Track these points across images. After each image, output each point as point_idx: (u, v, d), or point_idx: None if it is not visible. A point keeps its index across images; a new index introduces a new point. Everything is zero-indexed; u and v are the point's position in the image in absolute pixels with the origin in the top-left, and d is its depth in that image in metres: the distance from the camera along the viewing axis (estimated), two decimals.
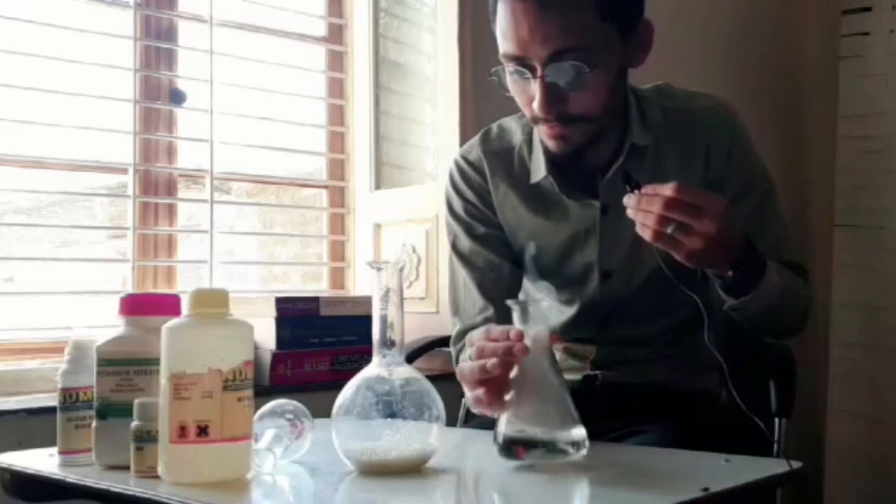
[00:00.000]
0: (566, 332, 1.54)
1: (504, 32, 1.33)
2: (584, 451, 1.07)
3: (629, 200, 1.20)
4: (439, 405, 1.05)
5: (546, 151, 1.44)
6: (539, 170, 1.46)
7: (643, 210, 1.18)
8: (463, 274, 1.54)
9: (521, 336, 1.08)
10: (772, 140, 2.91)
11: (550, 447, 1.06)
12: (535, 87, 1.32)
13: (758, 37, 3.00)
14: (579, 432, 1.08)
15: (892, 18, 2.77)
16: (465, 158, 1.55)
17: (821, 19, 3.01)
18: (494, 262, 1.52)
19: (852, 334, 2.82)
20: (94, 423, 1.09)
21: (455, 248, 1.56)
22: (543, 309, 1.14)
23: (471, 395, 1.14)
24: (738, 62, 2.92)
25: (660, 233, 1.18)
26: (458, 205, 1.55)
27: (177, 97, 2.12)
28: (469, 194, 1.54)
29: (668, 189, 1.17)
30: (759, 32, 3.01)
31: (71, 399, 1.13)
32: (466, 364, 1.13)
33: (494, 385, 1.10)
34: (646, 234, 1.19)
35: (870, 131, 2.81)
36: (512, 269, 1.52)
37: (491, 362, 1.09)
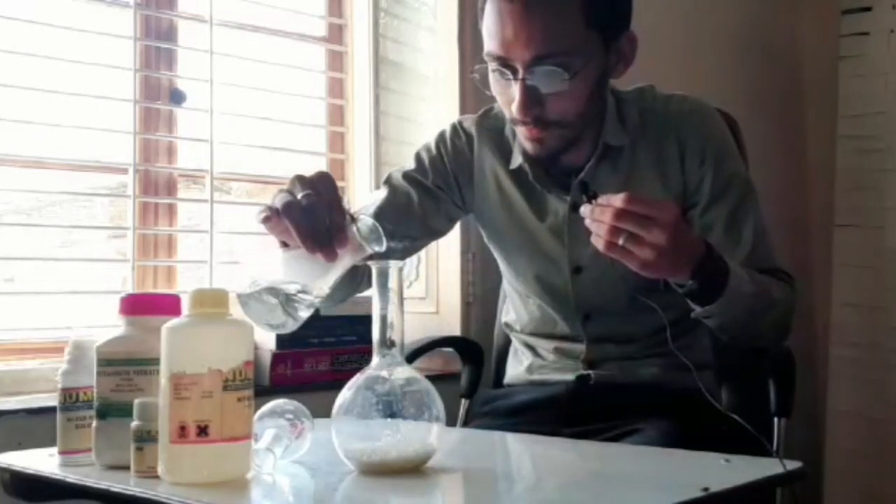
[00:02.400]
0: (552, 330, 1.55)
1: (489, 31, 1.35)
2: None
3: (585, 210, 1.22)
4: (439, 405, 1.04)
5: (523, 152, 1.46)
6: (517, 157, 1.50)
7: (596, 220, 1.20)
8: (381, 194, 1.54)
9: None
10: (772, 140, 2.92)
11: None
12: (515, 89, 1.33)
13: (758, 37, 3.00)
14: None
15: (892, 18, 2.77)
16: (460, 124, 1.61)
17: (821, 19, 3.01)
18: (413, 207, 1.54)
19: (852, 334, 2.82)
20: (94, 423, 1.08)
21: (395, 172, 1.59)
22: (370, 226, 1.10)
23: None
24: (739, 62, 2.92)
25: (611, 243, 1.19)
26: (427, 153, 1.59)
27: (177, 97, 2.12)
28: (446, 152, 1.58)
29: (618, 199, 1.18)
30: (760, 32, 3.02)
31: (71, 399, 1.13)
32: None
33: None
34: (599, 244, 1.21)
35: (870, 131, 2.81)
36: (420, 225, 1.55)
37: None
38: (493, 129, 1.56)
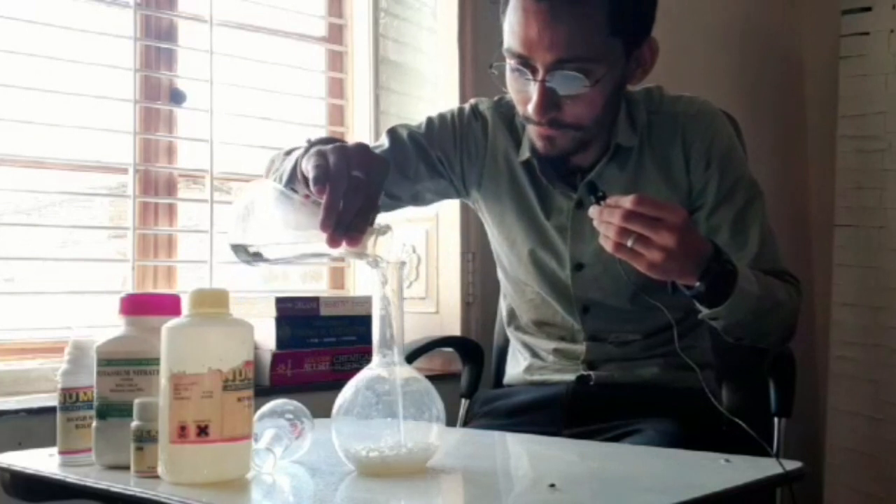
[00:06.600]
0: (551, 320, 1.55)
1: (512, 28, 1.34)
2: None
3: (593, 212, 1.21)
4: (439, 405, 1.05)
5: (532, 147, 1.45)
6: (525, 150, 1.50)
7: (605, 222, 1.19)
8: (382, 142, 1.54)
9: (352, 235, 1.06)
10: (772, 140, 2.92)
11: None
12: (534, 89, 1.33)
13: (758, 37, 3.01)
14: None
15: (892, 18, 2.77)
16: (476, 106, 1.59)
17: (821, 19, 3.01)
18: (408, 168, 1.52)
19: (852, 334, 2.82)
20: (94, 423, 1.09)
21: (400, 127, 1.56)
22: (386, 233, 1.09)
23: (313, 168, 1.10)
24: (739, 62, 2.92)
25: (619, 245, 1.19)
26: (440, 122, 1.57)
27: (177, 97, 2.12)
28: (460, 130, 1.56)
29: (627, 201, 1.18)
30: (760, 32, 3.02)
31: (71, 399, 1.13)
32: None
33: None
34: (607, 245, 1.20)
35: (870, 131, 2.81)
36: (408, 188, 1.53)
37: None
38: (507, 117, 1.55)
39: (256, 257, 1.14)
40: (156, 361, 1.00)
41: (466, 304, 2.21)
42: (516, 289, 1.60)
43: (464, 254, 2.21)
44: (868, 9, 2.82)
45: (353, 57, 2.40)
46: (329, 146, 1.15)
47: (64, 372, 1.15)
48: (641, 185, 1.44)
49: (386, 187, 1.47)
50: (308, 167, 1.12)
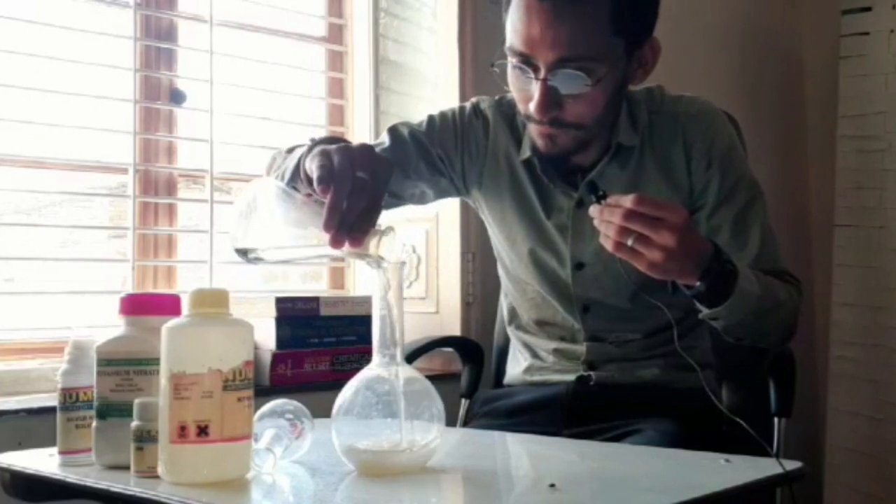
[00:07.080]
0: (552, 319, 1.55)
1: (515, 27, 1.34)
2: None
3: (593, 211, 1.22)
4: (439, 405, 1.05)
5: (533, 146, 1.45)
6: (526, 149, 1.50)
7: (605, 221, 1.20)
8: (382, 140, 1.53)
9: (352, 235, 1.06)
10: (772, 140, 2.92)
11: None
12: (535, 88, 1.33)
13: (758, 37, 3.01)
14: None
15: (892, 18, 2.77)
16: (477, 104, 1.58)
17: (821, 19, 3.01)
18: (408, 166, 1.52)
19: (852, 334, 2.82)
20: (94, 423, 1.09)
21: (401, 125, 1.56)
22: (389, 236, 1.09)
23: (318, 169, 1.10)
24: (739, 62, 2.92)
25: (620, 244, 1.19)
26: (442, 121, 1.56)
27: (177, 97, 2.12)
28: (462, 129, 1.56)
29: (628, 200, 1.18)
30: (760, 32, 3.02)
31: (71, 399, 1.13)
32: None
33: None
34: (607, 244, 1.20)
35: (870, 131, 2.81)
36: (408, 185, 1.53)
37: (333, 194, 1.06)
38: (508, 116, 1.55)
39: (258, 259, 1.14)
40: (156, 361, 1.00)
41: (466, 304, 2.21)
42: (517, 287, 1.60)
43: (464, 254, 2.21)
44: (868, 9, 2.83)
45: (353, 57, 2.40)
46: (333, 146, 1.15)
47: (64, 372, 1.15)
48: (642, 185, 1.44)
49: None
50: (312, 167, 1.12)
